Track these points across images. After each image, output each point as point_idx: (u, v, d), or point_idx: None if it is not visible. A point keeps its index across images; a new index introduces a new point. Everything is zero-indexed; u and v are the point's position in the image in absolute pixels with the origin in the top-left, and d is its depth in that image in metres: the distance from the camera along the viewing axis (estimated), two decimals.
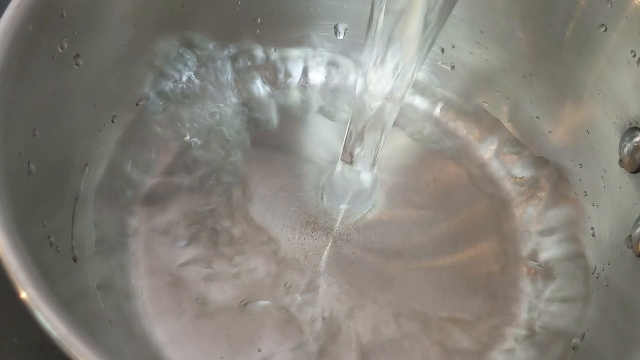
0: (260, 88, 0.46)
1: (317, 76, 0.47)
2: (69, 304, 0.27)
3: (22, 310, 0.24)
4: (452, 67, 0.47)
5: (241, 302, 0.37)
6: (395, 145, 0.45)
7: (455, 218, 0.42)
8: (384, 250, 0.40)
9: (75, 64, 0.35)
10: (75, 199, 0.37)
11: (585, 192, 0.41)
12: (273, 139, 0.44)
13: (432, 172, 0.44)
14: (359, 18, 0.46)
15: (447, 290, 0.39)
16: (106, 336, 0.34)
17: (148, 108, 0.42)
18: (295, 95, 0.46)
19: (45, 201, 0.33)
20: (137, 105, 0.42)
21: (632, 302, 0.34)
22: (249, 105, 0.45)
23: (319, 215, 0.41)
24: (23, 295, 0.24)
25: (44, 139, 0.32)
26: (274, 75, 0.46)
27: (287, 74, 0.47)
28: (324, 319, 0.37)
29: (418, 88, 0.47)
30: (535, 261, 0.40)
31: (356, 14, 0.46)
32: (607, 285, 0.37)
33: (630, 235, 0.36)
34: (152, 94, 0.42)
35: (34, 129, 0.32)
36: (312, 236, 0.40)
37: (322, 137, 0.45)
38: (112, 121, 0.40)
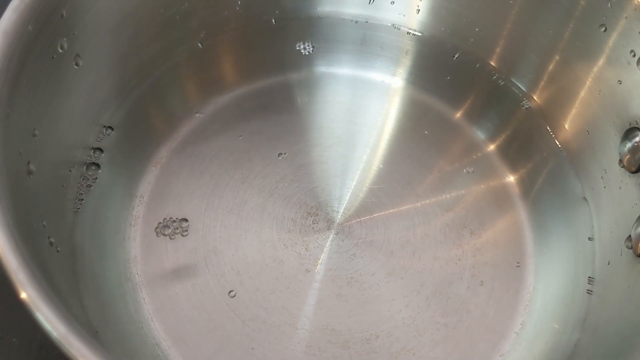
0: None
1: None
2: (68, 304, 0.27)
3: (22, 310, 0.24)
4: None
5: (229, 292, 0.37)
6: (398, 135, 0.45)
7: (459, 208, 0.42)
8: (387, 242, 0.40)
9: (75, 64, 0.35)
10: (76, 199, 0.37)
11: (585, 192, 0.41)
12: (275, 127, 0.44)
13: (436, 163, 0.44)
14: None
15: (452, 283, 0.39)
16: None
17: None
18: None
19: (45, 201, 0.33)
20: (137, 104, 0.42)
21: (631, 302, 0.34)
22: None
23: (321, 207, 0.41)
24: (23, 295, 0.24)
25: (44, 139, 0.32)
26: None
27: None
28: (323, 315, 0.37)
29: None
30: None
31: None
32: (606, 285, 0.37)
33: (630, 235, 0.36)
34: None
35: (34, 129, 0.32)
36: (313, 228, 0.40)
37: (324, 127, 0.45)
38: (112, 120, 0.40)
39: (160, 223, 0.39)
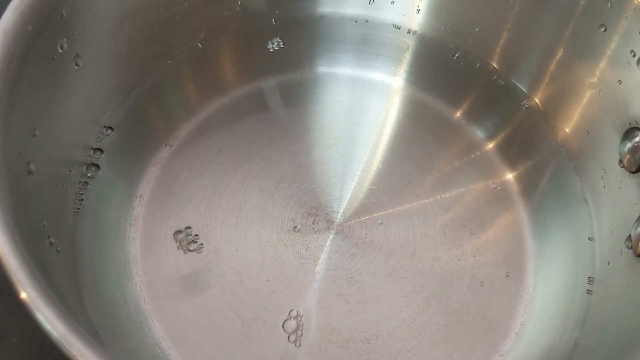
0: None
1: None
2: (69, 305, 0.27)
3: (22, 310, 0.24)
4: None
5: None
6: (398, 135, 0.45)
7: (459, 208, 0.42)
8: (386, 242, 0.40)
9: (75, 64, 0.35)
10: (76, 199, 0.37)
11: (585, 191, 0.41)
12: (275, 127, 0.44)
13: (436, 163, 0.44)
14: None
15: (452, 283, 0.39)
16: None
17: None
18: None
19: (45, 201, 0.33)
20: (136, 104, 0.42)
21: (631, 302, 0.34)
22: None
23: (321, 207, 0.41)
24: (23, 295, 0.24)
25: (44, 139, 0.32)
26: None
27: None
28: (323, 315, 0.37)
29: None
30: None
31: None
32: (606, 285, 0.37)
33: (630, 235, 0.36)
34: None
35: (34, 129, 0.32)
36: (313, 228, 0.40)
37: (324, 127, 0.45)
38: (112, 120, 0.40)
39: (180, 234, 0.39)
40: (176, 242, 0.39)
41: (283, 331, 0.36)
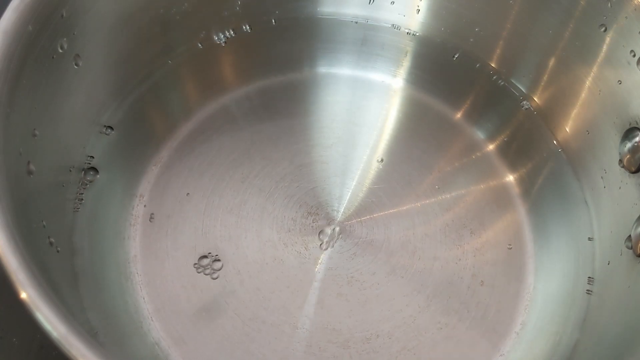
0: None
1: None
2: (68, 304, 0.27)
3: (22, 310, 0.24)
4: None
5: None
6: (398, 135, 0.45)
7: (459, 208, 0.42)
8: (387, 242, 0.40)
9: (75, 64, 0.35)
10: (75, 199, 0.37)
11: (585, 192, 0.41)
12: (275, 127, 0.44)
13: (436, 163, 0.44)
14: None
15: (452, 283, 0.39)
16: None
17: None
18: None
19: (45, 201, 0.33)
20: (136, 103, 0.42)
21: (631, 302, 0.34)
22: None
23: (321, 207, 0.41)
24: (23, 295, 0.24)
25: (44, 139, 0.33)
26: None
27: None
28: (323, 315, 0.37)
29: None
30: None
31: None
32: (606, 285, 0.37)
33: (630, 235, 0.36)
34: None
35: (34, 129, 0.32)
36: (313, 228, 0.40)
37: (324, 127, 0.45)
38: (112, 120, 0.40)
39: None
40: (176, 242, 0.39)
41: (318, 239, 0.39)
